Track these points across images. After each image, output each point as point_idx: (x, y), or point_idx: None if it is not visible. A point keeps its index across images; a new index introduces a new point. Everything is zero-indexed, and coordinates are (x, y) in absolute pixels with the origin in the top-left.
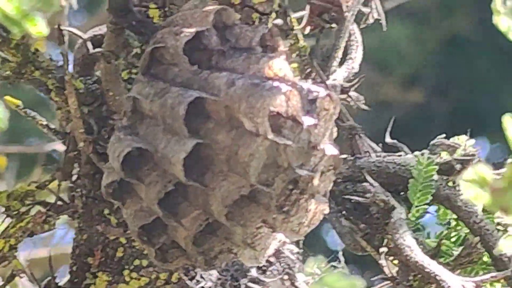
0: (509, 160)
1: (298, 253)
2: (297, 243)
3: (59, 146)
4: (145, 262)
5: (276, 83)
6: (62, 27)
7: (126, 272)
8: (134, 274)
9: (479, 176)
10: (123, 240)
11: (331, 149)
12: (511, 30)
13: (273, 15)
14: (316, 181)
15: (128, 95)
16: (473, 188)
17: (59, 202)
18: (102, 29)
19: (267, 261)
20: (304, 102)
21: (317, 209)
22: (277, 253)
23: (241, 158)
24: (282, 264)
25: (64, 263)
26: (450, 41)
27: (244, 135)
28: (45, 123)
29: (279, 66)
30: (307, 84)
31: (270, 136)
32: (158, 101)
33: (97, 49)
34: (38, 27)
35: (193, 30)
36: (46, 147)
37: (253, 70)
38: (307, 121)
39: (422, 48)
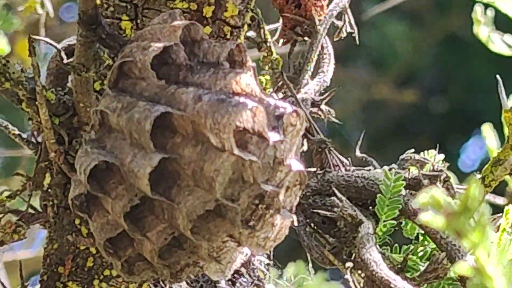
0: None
1: (268, 264)
2: (267, 254)
3: None
4: (115, 272)
5: (242, 99)
6: (34, 37)
7: (96, 282)
8: (104, 284)
9: (434, 200)
10: (93, 250)
11: (297, 165)
12: (490, 39)
13: (245, 28)
14: (281, 196)
15: (96, 109)
16: (429, 211)
17: (31, 211)
18: None
19: (237, 272)
20: (270, 118)
21: (283, 224)
22: (247, 264)
23: (206, 173)
24: (251, 276)
25: None
26: (445, 41)
27: (210, 151)
28: (17, 132)
29: (246, 81)
30: (274, 100)
31: (236, 151)
32: (125, 116)
33: (68, 60)
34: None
35: (161, 45)
36: None
37: (220, 86)
38: (273, 136)
39: (417, 48)
